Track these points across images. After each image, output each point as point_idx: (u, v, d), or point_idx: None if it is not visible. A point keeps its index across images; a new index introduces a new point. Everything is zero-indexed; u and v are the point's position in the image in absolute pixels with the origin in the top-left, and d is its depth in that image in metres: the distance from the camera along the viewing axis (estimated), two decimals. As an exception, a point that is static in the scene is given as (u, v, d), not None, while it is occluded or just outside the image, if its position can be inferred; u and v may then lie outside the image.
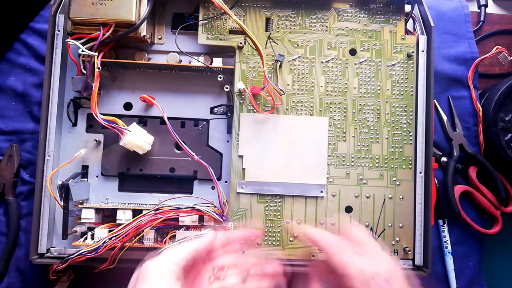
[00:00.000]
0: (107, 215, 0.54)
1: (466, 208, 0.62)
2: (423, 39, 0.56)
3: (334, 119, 0.56)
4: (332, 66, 0.56)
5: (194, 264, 0.37)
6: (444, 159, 0.63)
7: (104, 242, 0.49)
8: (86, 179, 0.56)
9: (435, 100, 0.63)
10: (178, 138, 0.53)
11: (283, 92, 0.55)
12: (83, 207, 0.52)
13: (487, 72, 0.68)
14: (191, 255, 0.36)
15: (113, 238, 0.49)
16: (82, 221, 0.52)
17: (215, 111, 0.57)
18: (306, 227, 0.45)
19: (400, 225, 0.55)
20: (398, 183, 0.55)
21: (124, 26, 0.51)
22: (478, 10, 0.69)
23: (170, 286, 0.34)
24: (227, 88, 0.54)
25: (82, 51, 0.50)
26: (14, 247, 0.58)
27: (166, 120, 0.53)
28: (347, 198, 0.55)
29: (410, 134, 0.56)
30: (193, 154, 0.53)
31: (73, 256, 0.49)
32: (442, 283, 0.61)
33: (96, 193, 0.56)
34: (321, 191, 0.54)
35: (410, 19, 0.58)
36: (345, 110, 0.56)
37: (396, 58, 0.56)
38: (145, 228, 0.49)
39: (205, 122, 0.57)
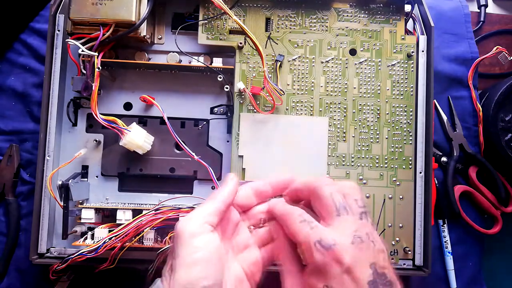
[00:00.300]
0: (107, 215, 0.54)
1: (466, 208, 0.62)
2: (423, 39, 0.56)
3: (334, 119, 0.56)
4: (332, 66, 0.56)
5: (227, 215, 0.37)
6: (444, 159, 0.63)
7: (104, 242, 0.48)
8: (86, 179, 0.56)
9: (435, 100, 0.63)
10: (178, 138, 0.53)
11: (283, 92, 0.55)
12: (83, 207, 0.52)
13: (487, 72, 0.68)
14: (221, 207, 0.36)
15: (113, 238, 0.49)
16: (82, 221, 0.52)
17: (215, 111, 0.57)
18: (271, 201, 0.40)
19: (400, 225, 0.55)
20: (398, 183, 0.55)
21: (124, 26, 0.51)
22: (478, 10, 0.69)
23: (207, 238, 0.34)
24: (227, 88, 0.54)
25: (82, 51, 0.50)
26: (14, 247, 0.58)
27: (166, 120, 0.53)
28: (347, 198, 0.55)
29: (410, 134, 0.56)
30: (193, 154, 0.53)
31: (73, 256, 0.49)
32: (442, 283, 0.61)
33: (96, 193, 0.56)
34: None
35: (410, 19, 0.58)
36: (345, 110, 0.56)
37: (396, 58, 0.56)
38: (145, 228, 0.49)
39: (205, 122, 0.57)
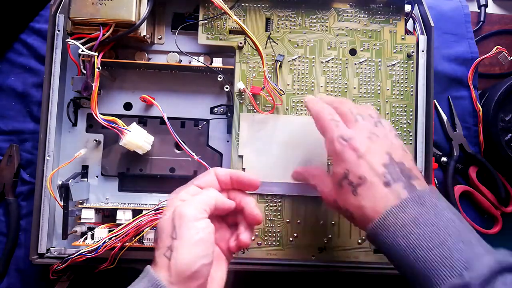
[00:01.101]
0: (107, 215, 0.54)
1: (466, 208, 0.62)
2: (423, 39, 0.56)
3: (334, 119, 0.56)
4: (332, 66, 0.56)
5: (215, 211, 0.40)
6: (444, 159, 0.63)
7: (104, 242, 0.49)
8: (86, 179, 0.56)
9: (435, 100, 0.63)
10: (178, 138, 0.53)
11: (283, 92, 0.55)
12: (83, 207, 0.52)
13: (487, 72, 0.68)
14: (214, 203, 0.40)
15: (113, 238, 0.49)
16: (82, 221, 0.52)
17: (215, 111, 0.57)
18: (307, 97, 0.48)
19: (400, 225, 0.55)
20: (398, 183, 0.55)
21: (124, 26, 0.51)
22: (478, 10, 0.69)
23: (206, 222, 0.38)
24: (227, 88, 0.54)
25: (82, 51, 0.50)
26: (14, 247, 0.58)
27: (166, 120, 0.54)
28: (347, 198, 0.55)
29: (410, 134, 0.56)
30: (193, 154, 0.53)
31: (73, 256, 0.49)
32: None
33: (96, 193, 0.56)
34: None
35: (410, 19, 0.58)
36: (345, 110, 0.56)
37: (396, 58, 0.56)
38: (145, 228, 0.49)
39: (204, 122, 0.57)
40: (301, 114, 0.55)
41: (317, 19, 0.57)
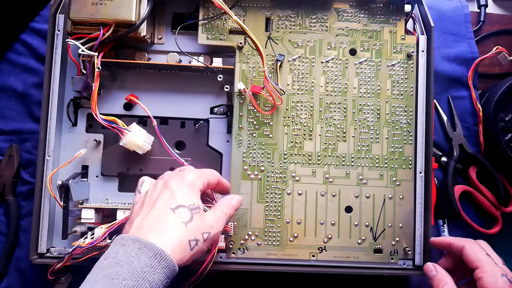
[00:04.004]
0: (107, 215, 0.54)
1: (466, 208, 0.62)
2: (423, 39, 0.56)
3: (334, 119, 0.56)
4: (332, 66, 0.56)
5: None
6: (444, 159, 0.63)
7: (104, 239, 0.49)
8: (86, 179, 0.56)
9: (435, 100, 0.63)
10: (162, 136, 0.53)
11: (284, 92, 0.55)
12: (83, 207, 0.52)
13: (487, 72, 0.68)
14: (213, 182, 0.49)
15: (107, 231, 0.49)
16: (82, 221, 0.52)
17: (215, 111, 0.57)
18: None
19: (400, 225, 0.55)
20: (398, 183, 0.55)
21: (124, 26, 0.51)
22: (478, 10, 0.69)
23: (197, 195, 0.45)
24: (227, 88, 0.54)
25: (82, 51, 0.50)
26: (14, 247, 0.58)
27: (152, 118, 0.54)
28: (347, 198, 0.55)
29: (410, 134, 0.56)
30: (182, 160, 0.53)
31: (68, 253, 0.49)
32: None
33: (96, 193, 0.56)
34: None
35: (410, 19, 0.58)
36: (345, 110, 0.56)
37: (396, 58, 0.56)
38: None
39: (201, 121, 0.57)
40: (301, 114, 0.55)
41: (317, 19, 0.57)
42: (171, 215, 0.42)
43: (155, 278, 0.37)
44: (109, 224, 0.50)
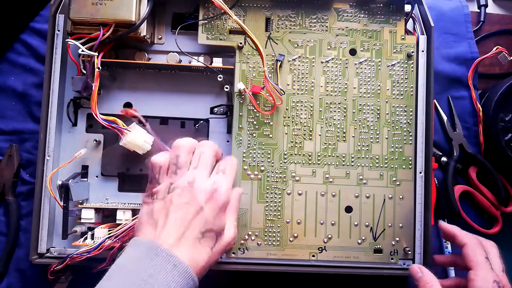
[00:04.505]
0: (107, 215, 0.54)
1: (466, 208, 0.62)
2: (423, 39, 0.56)
3: (334, 119, 0.56)
4: (332, 66, 0.56)
5: None
6: (444, 159, 0.63)
7: (103, 241, 0.49)
8: (86, 179, 0.56)
9: (435, 100, 0.63)
10: (155, 134, 0.53)
11: (284, 92, 0.55)
12: (83, 207, 0.52)
13: (487, 72, 0.68)
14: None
15: (112, 236, 0.49)
16: (82, 221, 0.52)
17: (215, 111, 0.57)
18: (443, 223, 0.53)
19: (400, 225, 0.55)
20: (398, 183, 0.55)
21: (124, 26, 0.51)
22: (478, 10, 0.69)
23: (224, 214, 0.45)
24: (227, 88, 0.54)
25: (82, 51, 0.50)
26: (14, 247, 0.58)
27: (143, 119, 0.55)
28: (347, 198, 0.55)
29: (410, 134, 0.56)
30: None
31: (70, 255, 0.49)
32: (456, 277, 0.60)
33: (96, 193, 0.56)
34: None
35: (410, 19, 0.58)
36: (345, 110, 0.56)
37: (396, 58, 0.56)
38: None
39: (201, 121, 0.57)
40: (301, 114, 0.55)
41: (317, 19, 0.57)
42: (199, 241, 0.42)
43: None
44: (116, 231, 0.50)
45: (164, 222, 0.42)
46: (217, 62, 0.55)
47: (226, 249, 0.46)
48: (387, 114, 0.56)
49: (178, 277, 0.38)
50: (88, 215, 0.52)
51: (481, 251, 0.47)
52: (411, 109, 0.56)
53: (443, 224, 0.52)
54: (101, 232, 0.51)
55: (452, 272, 0.60)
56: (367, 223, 0.55)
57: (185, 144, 0.47)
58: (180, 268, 0.38)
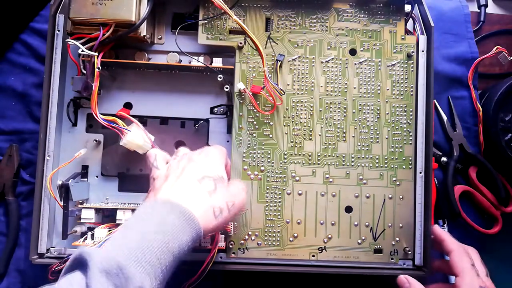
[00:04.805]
0: (107, 215, 0.54)
1: (466, 208, 0.62)
2: (423, 39, 0.56)
3: (334, 119, 0.56)
4: (332, 66, 0.56)
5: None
6: (444, 159, 0.63)
7: (103, 243, 0.48)
8: (86, 179, 0.56)
9: (435, 100, 0.63)
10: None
11: (284, 92, 0.55)
12: (83, 207, 0.52)
13: (487, 72, 0.68)
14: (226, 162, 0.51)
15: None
16: (82, 221, 0.52)
17: (215, 111, 0.57)
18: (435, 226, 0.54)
19: (400, 225, 0.55)
20: (398, 183, 0.55)
21: (124, 26, 0.51)
22: (478, 10, 0.69)
23: (222, 167, 0.48)
24: (227, 88, 0.54)
25: (82, 51, 0.50)
26: (14, 247, 0.58)
27: (137, 124, 0.55)
28: (347, 198, 0.55)
29: (410, 134, 0.56)
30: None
31: (71, 255, 0.49)
32: (441, 283, 0.60)
33: (96, 193, 0.56)
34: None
35: (410, 19, 0.58)
36: (345, 110, 0.56)
37: (396, 58, 0.56)
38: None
39: (201, 121, 0.57)
40: (301, 114, 0.55)
41: (317, 19, 0.57)
42: (196, 186, 0.43)
43: (183, 238, 0.38)
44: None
45: (163, 181, 0.45)
46: (217, 62, 0.55)
47: (237, 203, 0.45)
48: (387, 114, 0.56)
49: (174, 217, 0.39)
50: (88, 215, 0.52)
51: (467, 258, 0.49)
52: (411, 109, 0.56)
53: (436, 228, 0.54)
54: (101, 232, 0.51)
55: (452, 278, 0.60)
56: (367, 223, 0.55)
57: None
58: (175, 209, 0.40)
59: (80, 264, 0.34)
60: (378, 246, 0.55)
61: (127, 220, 0.41)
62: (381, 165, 0.55)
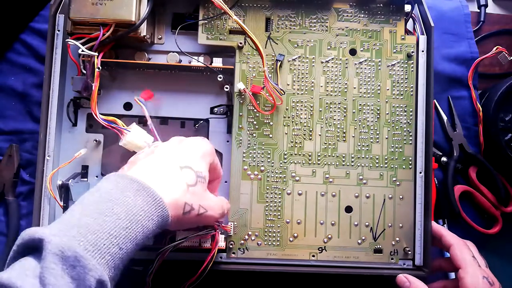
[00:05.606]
0: (107, 215, 0.54)
1: (466, 208, 0.62)
2: (423, 39, 0.56)
3: (334, 119, 0.56)
4: (332, 66, 0.56)
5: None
6: (444, 159, 0.63)
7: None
8: (86, 179, 0.56)
9: (435, 100, 0.63)
10: (162, 136, 0.53)
11: (284, 92, 0.55)
12: (83, 207, 0.52)
13: (487, 72, 0.68)
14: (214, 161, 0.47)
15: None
16: (82, 221, 0.52)
17: (215, 111, 0.57)
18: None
19: (400, 225, 0.55)
20: (398, 183, 0.55)
21: (124, 26, 0.51)
22: (478, 10, 0.69)
23: (207, 166, 0.44)
24: (227, 88, 0.54)
25: (82, 51, 0.50)
26: (14, 247, 0.58)
27: (149, 119, 0.53)
28: (347, 198, 0.55)
29: (410, 134, 0.56)
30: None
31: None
32: (443, 280, 0.60)
33: (96, 193, 0.56)
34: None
35: (410, 19, 0.58)
36: (345, 110, 0.56)
37: (396, 58, 0.56)
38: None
39: (201, 121, 0.57)
40: (301, 114, 0.55)
41: (317, 19, 0.57)
42: (177, 172, 0.40)
43: (148, 224, 0.35)
44: None
45: (144, 157, 0.42)
46: (217, 62, 0.55)
47: (206, 215, 0.42)
48: (387, 114, 0.56)
49: (142, 201, 0.35)
50: (88, 215, 0.52)
51: (467, 250, 0.49)
52: (411, 109, 0.56)
53: (433, 224, 0.54)
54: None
55: (452, 274, 0.60)
56: (367, 223, 0.55)
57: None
58: (143, 194, 0.36)
59: (33, 249, 0.31)
60: (378, 246, 0.55)
61: (88, 193, 0.36)
62: (381, 165, 0.55)
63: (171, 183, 0.39)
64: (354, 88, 0.56)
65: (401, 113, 0.56)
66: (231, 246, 0.53)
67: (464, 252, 0.49)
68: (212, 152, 0.46)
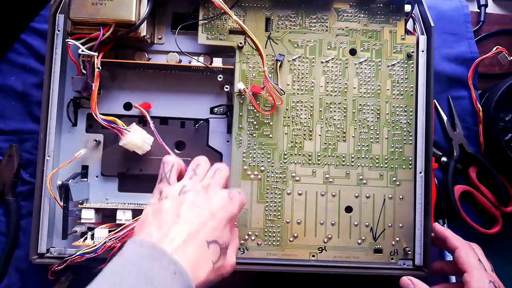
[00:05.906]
0: (107, 215, 0.54)
1: (466, 208, 0.62)
2: (423, 39, 0.56)
3: (334, 119, 0.56)
4: (332, 66, 0.56)
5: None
6: (444, 159, 0.63)
7: (104, 243, 0.49)
8: (86, 179, 0.56)
9: (435, 100, 0.63)
10: (162, 136, 0.53)
11: (284, 91, 0.55)
12: (83, 207, 0.52)
13: (487, 72, 0.68)
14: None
15: (113, 239, 0.49)
16: (82, 221, 0.52)
17: (215, 111, 0.57)
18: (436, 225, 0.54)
19: (400, 225, 0.55)
20: (398, 183, 0.55)
21: (124, 26, 0.51)
22: (478, 10, 0.69)
23: (230, 230, 0.43)
24: (227, 88, 0.54)
25: (82, 51, 0.50)
26: (14, 247, 0.58)
27: (149, 120, 0.53)
28: (347, 198, 0.55)
29: (410, 134, 0.56)
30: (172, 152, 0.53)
31: (72, 256, 0.49)
32: (442, 283, 0.60)
33: (96, 193, 0.56)
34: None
35: (410, 19, 0.58)
36: (345, 110, 0.56)
37: (396, 58, 0.56)
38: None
39: (201, 121, 0.57)
40: (301, 114, 0.55)
41: (317, 19, 0.57)
42: (205, 249, 0.39)
43: None
44: (118, 232, 0.50)
45: (173, 221, 0.39)
46: (217, 62, 0.55)
47: (220, 275, 0.43)
48: (387, 114, 0.56)
49: (174, 277, 0.35)
50: (88, 215, 0.52)
51: (473, 254, 0.48)
52: (411, 109, 0.56)
53: (437, 226, 0.53)
54: (101, 232, 0.51)
55: (452, 278, 0.60)
56: (367, 223, 0.55)
57: (206, 159, 0.48)
58: (180, 279, 0.35)
59: None
60: (378, 246, 0.55)
61: (118, 269, 0.35)
62: (381, 165, 0.55)
63: (201, 265, 0.39)
64: (354, 88, 0.56)
65: (401, 113, 0.56)
66: (231, 246, 0.53)
67: (470, 256, 0.48)
68: (237, 215, 0.44)
